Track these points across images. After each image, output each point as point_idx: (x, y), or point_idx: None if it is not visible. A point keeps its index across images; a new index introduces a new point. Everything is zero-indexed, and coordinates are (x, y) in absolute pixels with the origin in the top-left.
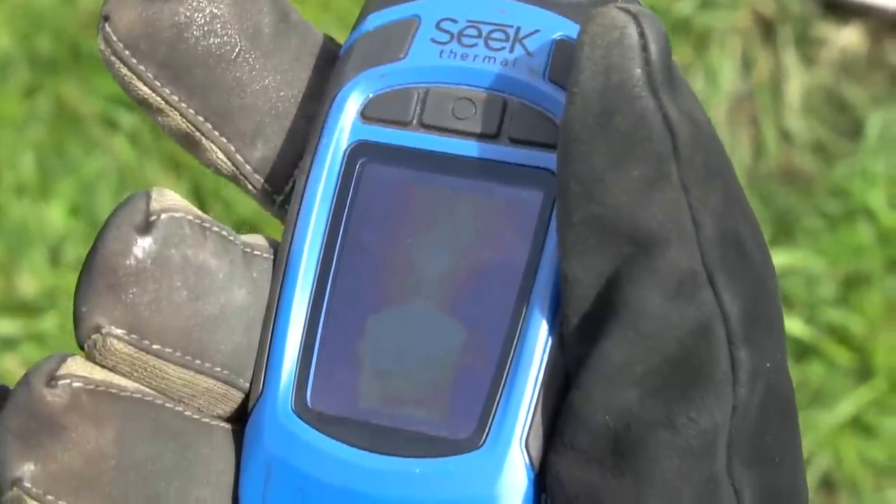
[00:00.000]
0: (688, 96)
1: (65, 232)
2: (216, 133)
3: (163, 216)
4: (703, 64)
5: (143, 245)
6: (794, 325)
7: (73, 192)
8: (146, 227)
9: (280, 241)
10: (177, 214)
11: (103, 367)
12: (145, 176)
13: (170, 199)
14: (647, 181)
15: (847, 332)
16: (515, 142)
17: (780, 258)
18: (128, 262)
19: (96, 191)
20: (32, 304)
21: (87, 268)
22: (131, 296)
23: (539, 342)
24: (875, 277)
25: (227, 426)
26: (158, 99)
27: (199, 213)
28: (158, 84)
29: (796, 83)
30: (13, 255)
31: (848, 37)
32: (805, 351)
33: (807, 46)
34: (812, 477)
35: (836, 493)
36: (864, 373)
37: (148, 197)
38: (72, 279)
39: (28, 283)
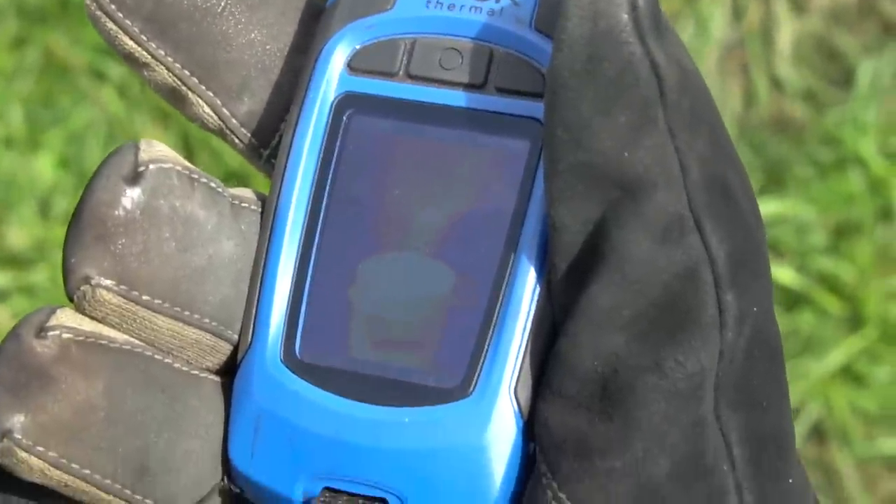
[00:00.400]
0: (675, 42)
1: (54, 184)
2: (202, 87)
3: (151, 167)
4: (694, 12)
5: (131, 195)
6: (784, 274)
7: (61, 144)
8: (135, 178)
9: (268, 194)
10: (165, 165)
11: (93, 318)
12: (134, 127)
13: (158, 149)
14: (633, 126)
15: (838, 281)
16: (502, 91)
17: (772, 206)
18: (116, 212)
19: (85, 142)
20: (22, 256)
21: (76, 219)
22: (120, 246)
23: (527, 290)
24: (866, 226)
25: (217, 378)
26: (144, 53)
27: (188, 164)
28: (144, 38)
29: (787, 31)
30: (2, 208)
31: None
32: (796, 300)
33: None
34: (803, 426)
35: (826, 442)
36: (855, 321)
37: (136, 148)
38: (61, 231)
39: (17, 236)
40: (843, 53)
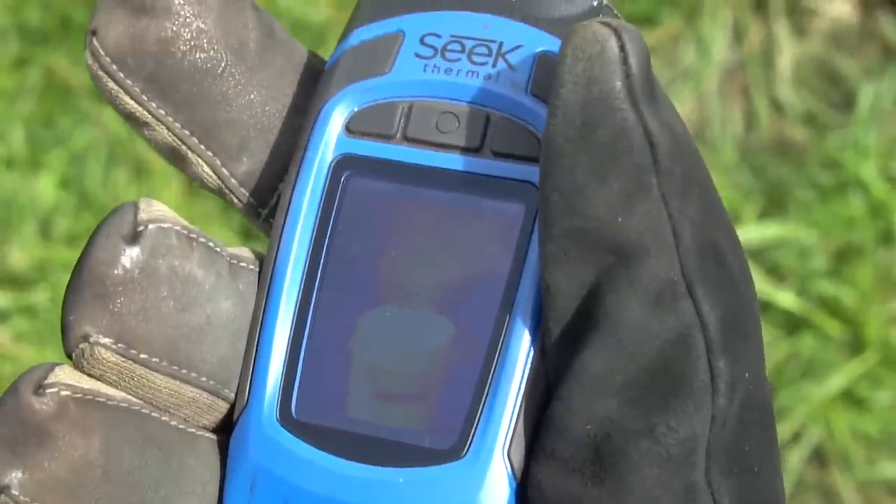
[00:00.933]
0: (667, 108)
1: (55, 204)
2: (202, 147)
3: (150, 226)
4: (695, 34)
5: (130, 255)
6: (785, 298)
7: (63, 165)
8: (134, 238)
9: (266, 254)
10: (164, 225)
11: (91, 376)
12: (135, 148)
13: (157, 209)
14: (627, 193)
15: (839, 305)
16: (498, 155)
17: (772, 230)
18: (115, 271)
19: (86, 163)
20: (23, 276)
21: (76, 277)
22: (119, 305)
23: (521, 353)
24: (867, 249)
25: (213, 436)
26: (145, 113)
27: (186, 224)
28: (145, 98)
29: (788, 54)
30: (3, 228)
31: (839, 7)
32: (797, 323)
33: (798, 17)
34: (804, 450)
35: (827, 466)
36: (856, 345)
37: (136, 207)
38: (62, 252)
39: (18, 257)
40: (843, 77)
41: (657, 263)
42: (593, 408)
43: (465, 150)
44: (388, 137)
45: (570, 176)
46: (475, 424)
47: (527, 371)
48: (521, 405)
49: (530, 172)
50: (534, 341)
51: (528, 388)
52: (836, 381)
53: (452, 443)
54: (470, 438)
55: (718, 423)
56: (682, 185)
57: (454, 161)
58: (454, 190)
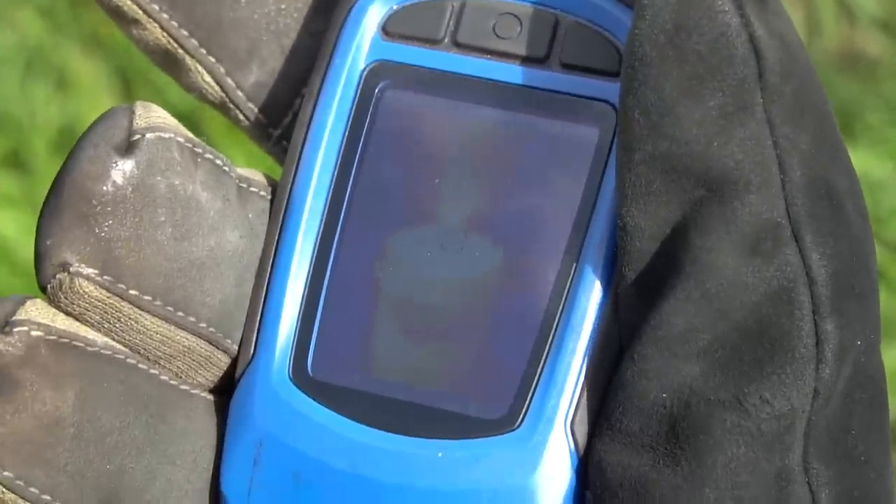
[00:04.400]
0: (780, 15)
1: None
2: (203, 51)
3: (148, 136)
4: None
5: (123, 169)
6: None
7: None
8: (128, 149)
9: (280, 179)
10: (165, 135)
11: (68, 313)
12: (60, 57)
13: (157, 115)
14: (725, 113)
15: None
16: (568, 67)
17: None
18: (104, 188)
19: None
20: None
21: (55, 193)
22: (106, 229)
23: (590, 305)
24: None
25: (210, 397)
26: (135, 7)
27: (191, 135)
28: None
29: None
30: None
31: None
32: None
33: None
34: None
35: None
36: None
37: (131, 112)
38: None
39: None
40: None
41: (757, 200)
42: (672, 372)
43: (528, 61)
44: (433, 42)
45: (657, 91)
46: (532, 390)
47: (596, 326)
48: (587, 368)
49: (607, 89)
50: (605, 291)
51: (596, 346)
52: None
53: (504, 411)
54: (525, 407)
55: (822, 399)
56: (792, 107)
57: (514, 73)
58: (513, 108)
